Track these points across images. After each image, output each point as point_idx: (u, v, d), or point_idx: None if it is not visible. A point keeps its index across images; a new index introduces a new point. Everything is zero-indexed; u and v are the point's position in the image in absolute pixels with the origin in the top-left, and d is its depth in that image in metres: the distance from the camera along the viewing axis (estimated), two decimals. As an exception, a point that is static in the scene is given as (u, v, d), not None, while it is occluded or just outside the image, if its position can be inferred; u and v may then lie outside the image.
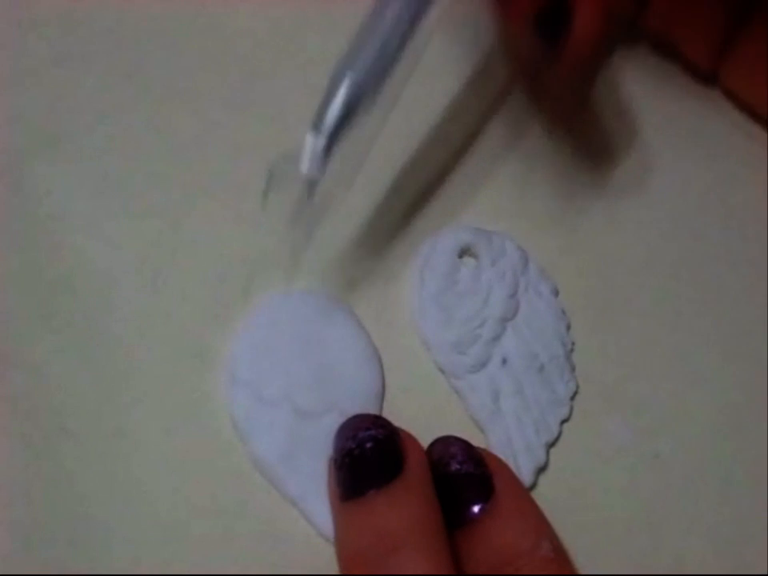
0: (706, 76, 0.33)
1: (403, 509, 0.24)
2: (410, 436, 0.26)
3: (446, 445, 0.27)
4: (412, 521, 0.24)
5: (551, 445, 0.29)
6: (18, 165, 0.30)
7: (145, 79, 0.31)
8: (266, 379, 0.28)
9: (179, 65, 0.31)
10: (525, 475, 0.28)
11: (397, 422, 0.26)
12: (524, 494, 0.27)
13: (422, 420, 0.27)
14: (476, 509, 0.25)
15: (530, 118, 0.32)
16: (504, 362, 0.29)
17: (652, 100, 0.33)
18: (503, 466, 0.27)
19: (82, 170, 0.30)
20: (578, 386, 0.29)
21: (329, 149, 0.25)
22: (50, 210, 0.29)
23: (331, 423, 0.27)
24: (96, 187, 0.30)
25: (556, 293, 0.30)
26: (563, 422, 0.29)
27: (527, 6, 0.27)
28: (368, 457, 0.25)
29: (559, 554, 0.25)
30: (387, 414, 0.27)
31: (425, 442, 0.27)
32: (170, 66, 0.31)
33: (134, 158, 0.30)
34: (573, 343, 0.30)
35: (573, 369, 0.29)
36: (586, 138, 0.32)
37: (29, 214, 0.29)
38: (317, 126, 0.25)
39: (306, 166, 0.25)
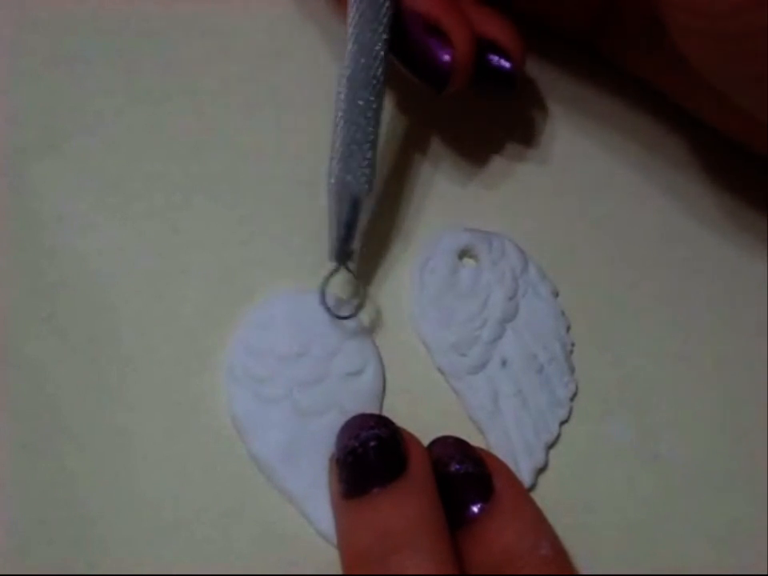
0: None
1: (406, 508, 0.24)
2: (412, 436, 0.26)
3: (445, 445, 0.27)
4: (415, 520, 0.24)
5: (551, 446, 0.29)
6: (18, 165, 0.30)
7: (145, 79, 0.31)
8: (266, 378, 0.28)
9: (179, 65, 0.31)
10: (524, 476, 0.28)
11: (396, 422, 0.26)
12: (523, 493, 0.27)
13: (422, 420, 0.27)
14: (475, 509, 0.25)
15: (530, 118, 0.32)
16: (504, 363, 0.29)
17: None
18: (502, 466, 0.27)
19: (82, 170, 0.30)
20: (577, 387, 0.29)
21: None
22: (50, 210, 0.29)
23: (331, 422, 0.27)
24: (96, 187, 0.30)
25: (556, 294, 0.30)
26: (563, 423, 0.29)
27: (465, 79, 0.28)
28: (371, 455, 0.25)
29: (559, 554, 0.25)
30: (387, 414, 0.27)
31: (424, 442, 0.27)
32: (169, 66, 0.31)
33: (134, 158, 0.30)
34: (572, 344, 0.30)
35: (572, 370, 0.29)
36: (583, 138, 0.32)
37: (29, 214, 0.29)
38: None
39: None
